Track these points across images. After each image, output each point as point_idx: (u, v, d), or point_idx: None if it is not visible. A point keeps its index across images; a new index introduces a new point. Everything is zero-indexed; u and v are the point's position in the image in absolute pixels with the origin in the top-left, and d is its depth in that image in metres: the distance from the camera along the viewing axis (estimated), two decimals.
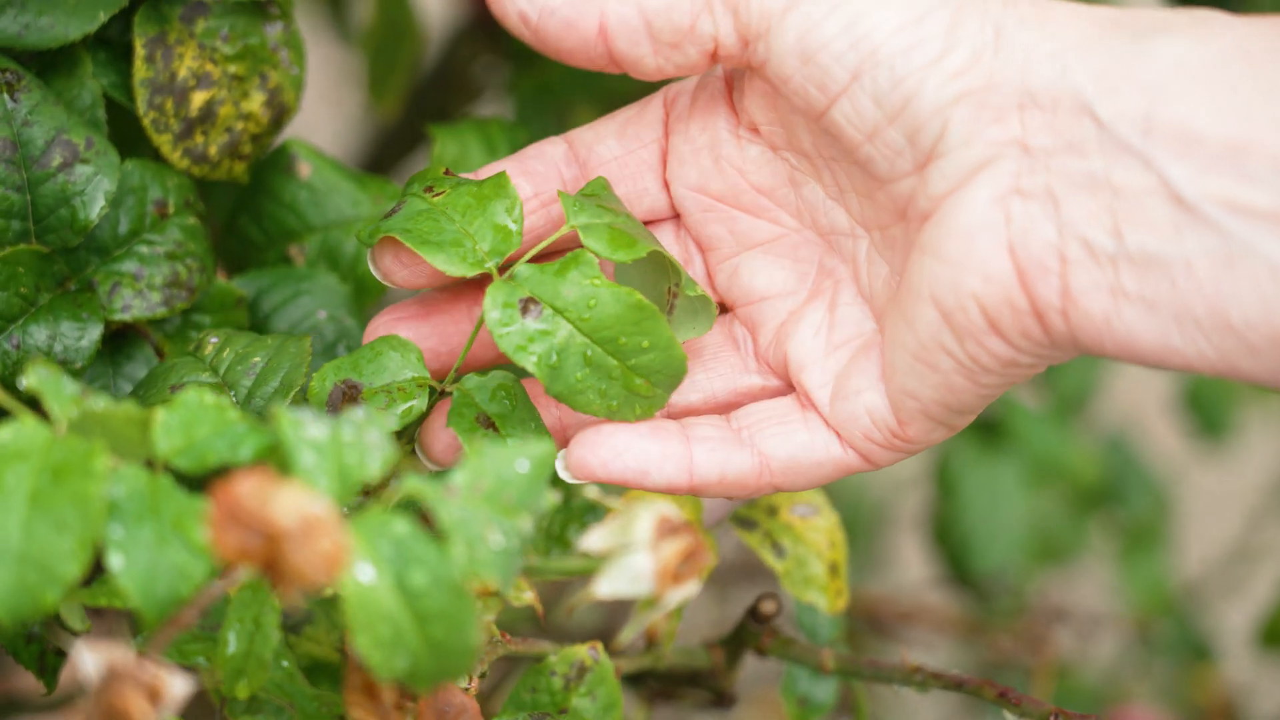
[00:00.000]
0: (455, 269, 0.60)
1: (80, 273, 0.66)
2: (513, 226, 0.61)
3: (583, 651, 0.64)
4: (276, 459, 0.50)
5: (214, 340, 0.64)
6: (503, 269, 0.61)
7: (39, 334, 0.64)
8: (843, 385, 0.62)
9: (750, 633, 0.70)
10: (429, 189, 0.62)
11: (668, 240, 0.66)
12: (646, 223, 0.66)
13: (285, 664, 0.58)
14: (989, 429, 1.22)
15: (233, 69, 0.68)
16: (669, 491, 0.61)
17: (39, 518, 0.47)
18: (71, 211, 0.64)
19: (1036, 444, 1.22)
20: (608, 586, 0.52)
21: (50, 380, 0.50)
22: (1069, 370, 1.31)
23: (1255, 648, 1.44)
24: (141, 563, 0.48)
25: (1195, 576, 1.65)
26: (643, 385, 0.60)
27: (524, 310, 0.59)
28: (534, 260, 0.61)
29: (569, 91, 1.00)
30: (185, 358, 0.63)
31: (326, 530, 0.44)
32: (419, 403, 0.60)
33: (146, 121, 0.67)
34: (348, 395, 0.60)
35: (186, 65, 0.67)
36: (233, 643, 0.54)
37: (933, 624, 1.19)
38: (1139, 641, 1.53)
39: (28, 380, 0.51)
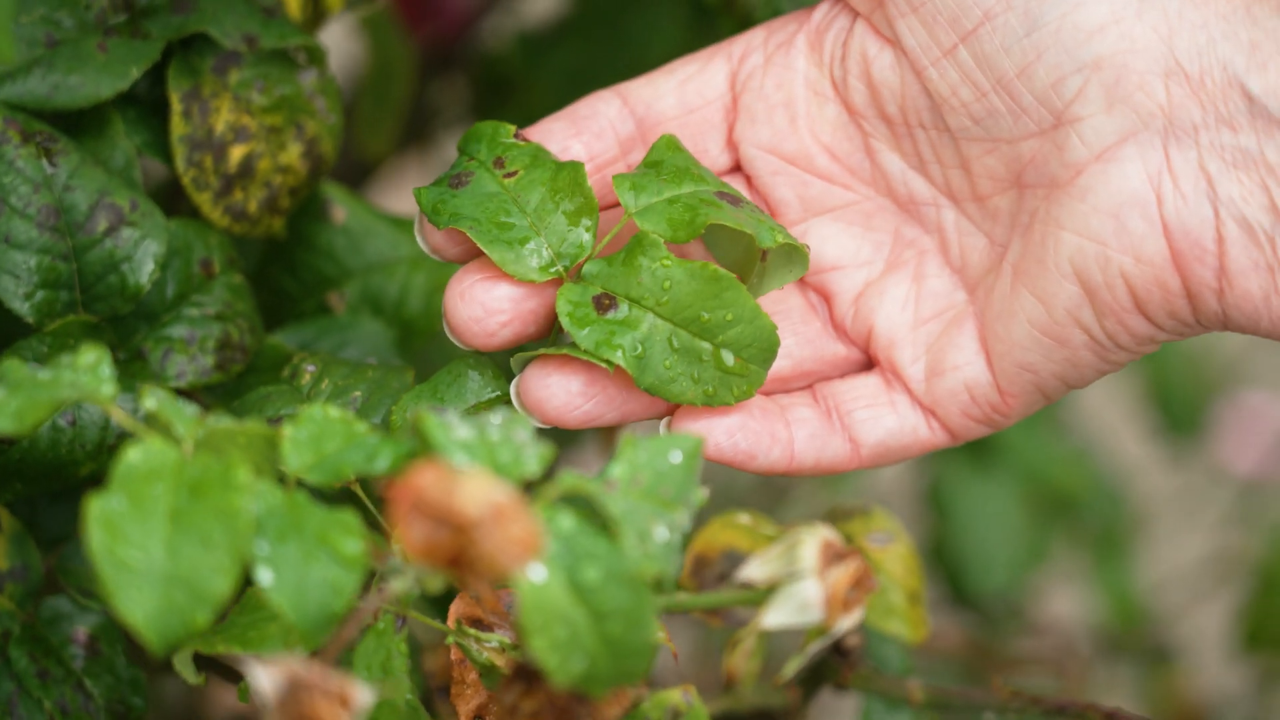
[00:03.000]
0: (526, 274, 0.60)
1: (129, 341, 0.65)
2: (586, 237, 0.61)
3: (676, 696, 0.64)
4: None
5: (310, 369, 0.64)
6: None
7: (93, 408, 0.63)
8: (938, 361, 0.63)
9: (831, 667, 0.71)
10: (498, 161, 0.62)
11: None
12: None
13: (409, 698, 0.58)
14: (979, 444, 1.24)
15: (269, 120, 0.68)
16: (768, 473, 0.62)
17: (182, 536, 0.47)
18: (120, 278, 0.64)
19: (1029, 459, 1.24)
20: (775, 618, 0.52)
21: (169, 402, 0.51)
22: None
23: (1234, 651, 1.47)
24: (292, 578, 0.48)
25: (1164, 582, 1.69)
26: (736, 363, 0.60)
27: (599, 307, 0.59)
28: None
29: None
30: (281, 387, 0.63)
31: (516, 516, 0.45)
32: (510, 413, 0.61)
33: (187, 179, 0.67)
34: None
35: (223, 119, 0.67)
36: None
37: (938, 648, 1.21)
38: (1109, 649, 1.56)
39: (146, 403, 0.51)
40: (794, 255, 0.63)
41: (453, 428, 0.50)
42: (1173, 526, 1.78)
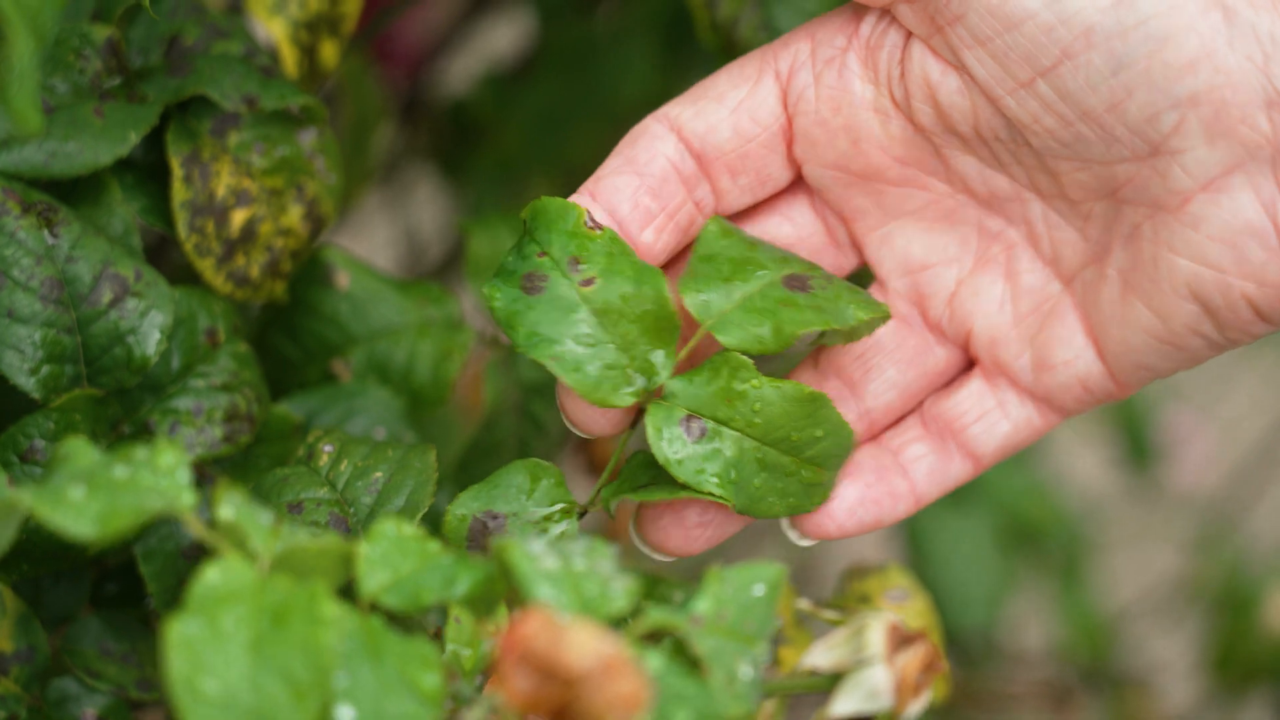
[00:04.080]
0: (610, 400, 0.59)
1: (134, 414, 0.64)
2: (666, 359, 0.60)
3: None
4: (489, 594, 0.50)
5: (328, 449, 0.63)
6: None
7: None
8: (1045, 355, 0.62)
9: None
10: (573, 261, 0.60)
11: (804, 216, 0.64)
12: (774, 197, 0.64)
13: None
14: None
15: (270, 183, 0.68)
16: (895, 522, 0.62)
17: (263, 667, 0.46)
18: (126, 350, 0.63)
19: (1001, 493, 1.25)
20: (845, 706, 0.52)
21: (245, 511, 0.50)
22: None
23: (1200, 675, 1.49)
24: (370, 713, 0.47)
25: (1129, 607, 1.70)
26: (814, 473, 0.60)
27: (687, 429, 0.59)
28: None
29: (526, 164, 1.01)
30: (299, 469, 0.63)
31: (624, 670, 0.44)
32: (569, 527, 0.60)
33: (189, 246, 0.66)
34: (489, 528, 0.60)
35: (224, 183, 0.67)
36: None
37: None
38: (1075, 676, 1.58)
39: (223, 512, 0.49)
40: (875, 315, 0.62)
41: (538, 558, 0.49)
42: (1135, 552, 1.80)
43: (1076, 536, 1.50)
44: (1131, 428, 1.55)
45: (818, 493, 0.61)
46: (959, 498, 1.26)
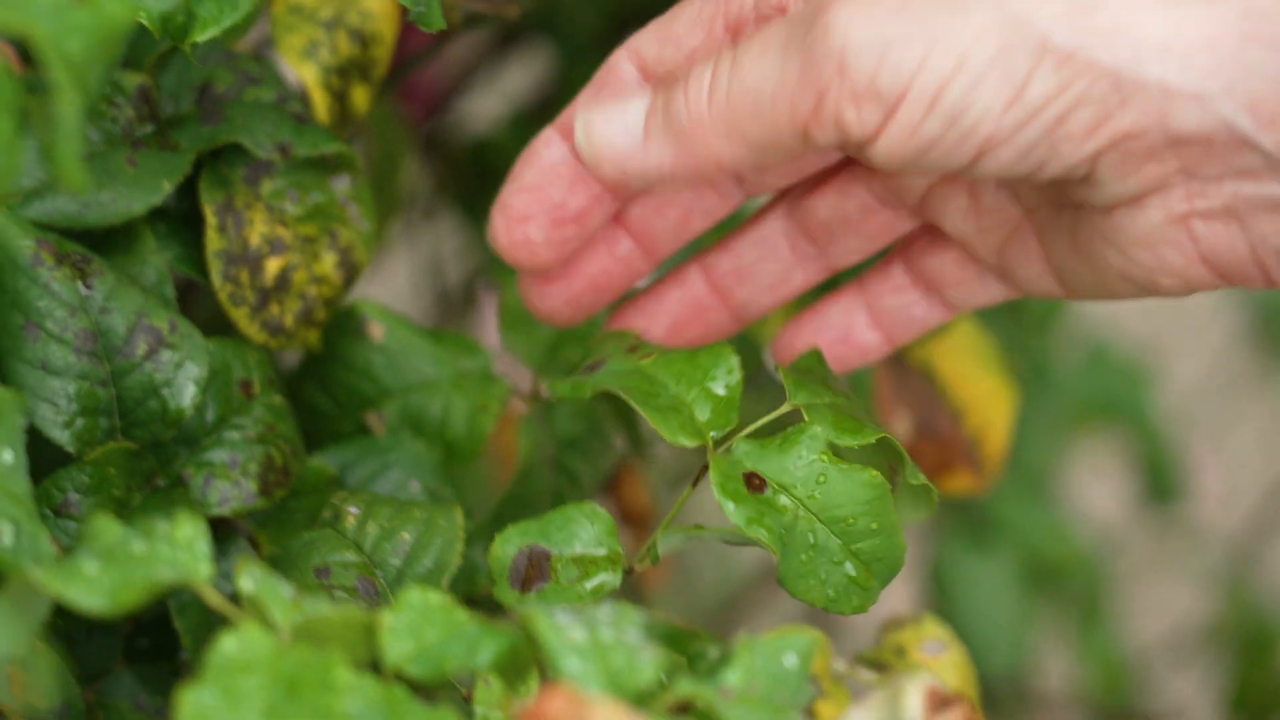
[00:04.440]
0: (675, 437, 0.60)
1: (169, 467, 0.64)
2: (730, 413, 0.62)
3: None
4: (516, 662, 0.49)
5: (354, 511, 0.62)
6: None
7: None
8: (1008, 268, 0.66)
9: None
10: (632, 349, 0.63)
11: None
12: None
13: None
14: (977, 521, 1.24)
15: (303, 230, 0.67)
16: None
17: None
18: (161, 403, 0.62)
19: (1024, 533, 1.24)
20: None
21: (265, 583, 0.49)
22: (1031, 446, 1.34)
23: (1225, 717, 1.48)
24: None
25: (1149, 647, 1.69)
26: (861, 574, 0.60)
27: (749, 485, 0.59)
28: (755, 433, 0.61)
29: None
30: (326, 532, 0.62)
31: None
32: (611, 578, 0.60)
33: (223, 295, 0.65)
34: (533, 563, 0.60)
35: (258, 231, 0.66)
36: None
37: None
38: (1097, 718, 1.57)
39: (243, 584, 0.49)
40: (922, 498, 0.64)
41: (565, 629, 0.49)
42: (1154, 588, 1.79)
43: (1096, 575, 1.49)
44: (1153, 463, 1.54)
45: (857, 595, 0.61)
46: (980, 539, 1.25)
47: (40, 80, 0.55)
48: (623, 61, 0.65)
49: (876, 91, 0.56)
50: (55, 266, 0.61)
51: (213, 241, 0.65)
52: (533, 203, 0.66)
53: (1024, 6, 0.55)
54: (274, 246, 0.67)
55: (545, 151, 0.66)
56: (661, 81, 0.63)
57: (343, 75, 0.71)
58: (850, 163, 0.68)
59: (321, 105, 0.70)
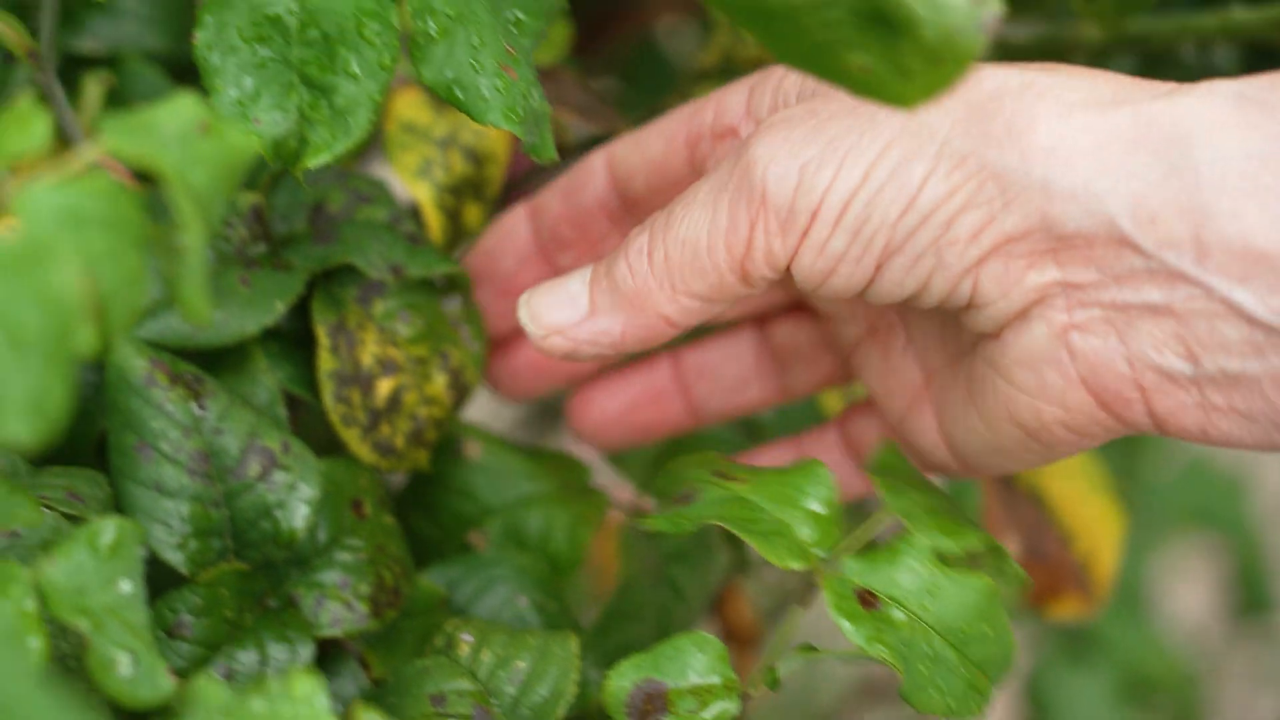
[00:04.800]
0: (782, 561, 0.60)
1: (280, 587, 0.64)
2: (834, 531, 0.61)
3: None
4: None
5: (467, 639, 0.62)
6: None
7: (246, 658, 0.61)
8: (907, 435, 0.67)
9: None
10: (720, 474, 0.62)
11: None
12: None
13: None
14: (1076, 636, 1.23)
15: (414, 351, 0.67)
16: None
17: None
18: (274, 524, 0.62)
19: (1124, 649, 1.22)
20: None
21: None
22: (1130, 558, 1.32)
23: None
24: None
25: None
26: (977, 678, 0.59)
27: (863, 602, 0.59)
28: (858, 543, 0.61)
29: None
30: (439, 659, 0.61)
31: None
32: (730, 705, 0.59)
33: (335, 416, 0.65)
34: (650, 698, 0.59)
35: (369, 351, 0.66)
36: None
37: None
38: None
39: None
40: (1017, 584, 0.63)
41: None
42: (1248, 700, 1.76)
43: (1191, 686, 1.47)
44: (1247, 574, 1.52)
45: (975, 700, 0.60)
46: (1078, 653, 1.23)
47: (156, 200, 0.56)
48: (598, 159, 0.68)
49: (794, 215, 0.59)
50: (169, 387, 0.62)
51: (325, 362, 0.65)
52: (484, 267, 0.71)
53: (930, 116, 0.57)
54: (385, 367, 0.67)
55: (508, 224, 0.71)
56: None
57: (456, 194, 0.71)
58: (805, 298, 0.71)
59: (435, 224, 0.70)
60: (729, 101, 0.65)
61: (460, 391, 0.69)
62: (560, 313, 0.63)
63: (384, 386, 0.66)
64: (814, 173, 0.58)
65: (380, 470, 0.67)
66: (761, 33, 0.52)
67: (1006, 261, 0.57)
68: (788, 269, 0.60)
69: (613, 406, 0.74)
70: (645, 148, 0.67)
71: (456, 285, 0.68)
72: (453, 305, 0.68)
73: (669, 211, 0.62)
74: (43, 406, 0.46)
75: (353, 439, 0.66)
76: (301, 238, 0.67)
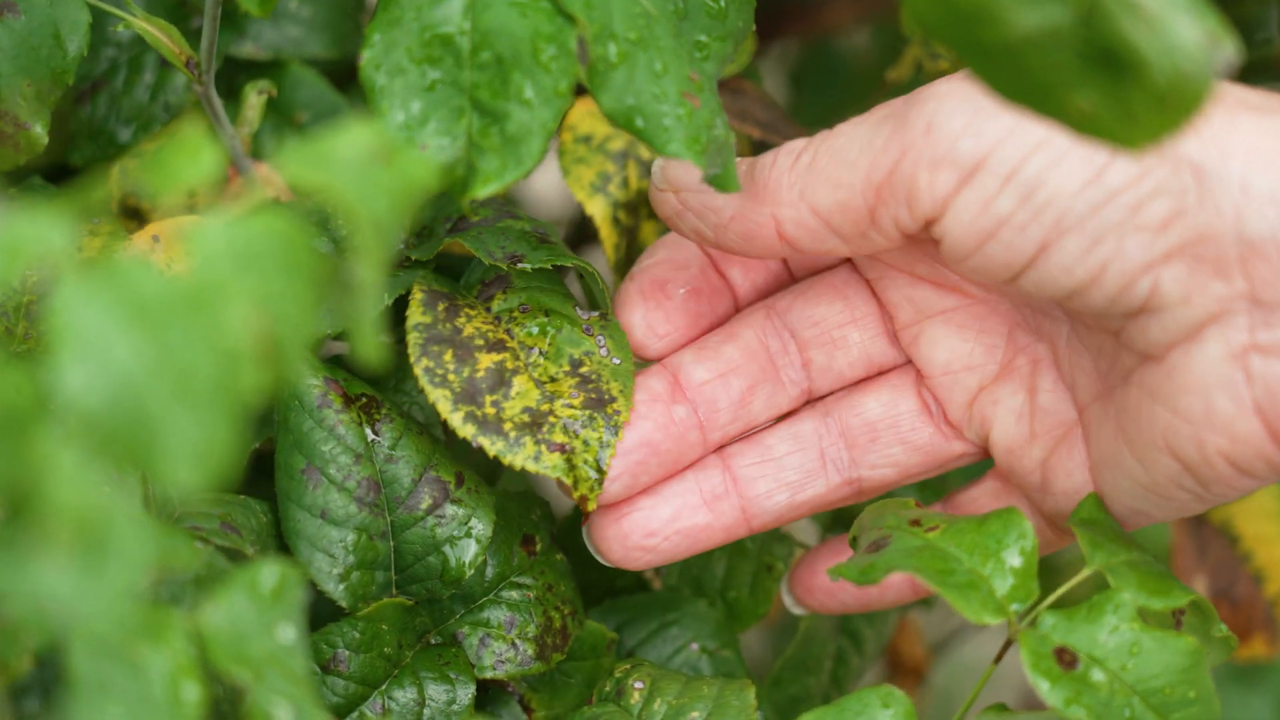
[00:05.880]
0: (978, 616, 0.57)
1: (443, 624, 0.61)
2: (1031, 585, 0.58)
3: None
4: None
5: (638, 685, 0.60)
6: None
7: (404, 697, 0.59)
8: (1049, 481, 0.62)
9: None
10: (914, 521, 0.60)
11: (862, 295, 0.65)
12: (829, 273, 0.65)
13: None
14: (1242, 667, 1.18)
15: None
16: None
17: None
18: (442, 559, 0.60)
19: None
20: None
21: None
22: None
23: None
24: None
25: None
26: None
27: (1061, 661, 0.56)
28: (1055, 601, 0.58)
29: None
30: (607, 707, 0.59)
31: None
32: None
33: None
34: None
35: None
36: None
37: None
38: None
39: None
40: (1223, 647, 0.60)
41: None
42: None
43: None
44: None
45: None
46: (1245, 675, 1.19)
47: (306, 210, 0.54)
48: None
49: (955, 157, 0.55)
50: (343, 409, 0.59)
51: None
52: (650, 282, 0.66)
53: None
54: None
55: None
56: None
57: (632, 211, 0.68)
58: (908, 364, 0.65)
59: (609, 241, 0.67)
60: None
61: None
62: (688, 173, 0.60)
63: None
64: (988, 119, 0.55)
65: (547, 502, 0.65)
66: (979, 68, 0.49)
67: (1192, 264, 0.54)
68: (929, 219, 0.56)
69: (655, 521, 0.63)
70: None
71: (596, 304, 0.65)
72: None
73: (835, 128, 0.59)
74: (209, 453, 0.44)
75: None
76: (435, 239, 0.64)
